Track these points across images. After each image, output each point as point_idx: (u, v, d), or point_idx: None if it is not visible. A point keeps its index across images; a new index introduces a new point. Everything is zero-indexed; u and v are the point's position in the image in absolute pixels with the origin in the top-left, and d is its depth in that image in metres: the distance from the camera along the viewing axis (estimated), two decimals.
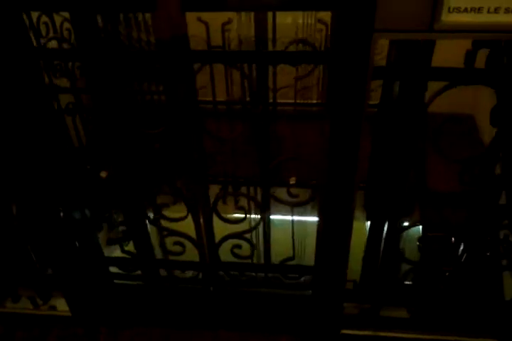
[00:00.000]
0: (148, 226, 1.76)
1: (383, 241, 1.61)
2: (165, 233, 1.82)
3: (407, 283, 1.77)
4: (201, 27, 2.59)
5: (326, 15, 2.56)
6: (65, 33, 2.22)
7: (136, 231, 1.73)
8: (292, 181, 1.57)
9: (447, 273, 1.73)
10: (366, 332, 1.82)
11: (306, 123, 2.65)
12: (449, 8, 1.06)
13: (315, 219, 1.54)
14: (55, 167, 1.47)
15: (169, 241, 1.86)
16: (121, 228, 2.02)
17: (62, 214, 1.54)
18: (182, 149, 1.39)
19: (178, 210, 1.79)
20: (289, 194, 1.63)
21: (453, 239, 1.62)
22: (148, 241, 1.75)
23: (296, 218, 1.83)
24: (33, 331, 1.91)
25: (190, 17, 2.76)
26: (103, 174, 1.62)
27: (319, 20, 2.55)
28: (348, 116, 1.21)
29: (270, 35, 2.34)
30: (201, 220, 1.65)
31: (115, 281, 1.89)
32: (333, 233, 1.50)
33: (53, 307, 1.97)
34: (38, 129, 1.39)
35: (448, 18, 1.07)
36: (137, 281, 1.90)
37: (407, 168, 1.42)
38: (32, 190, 1.49)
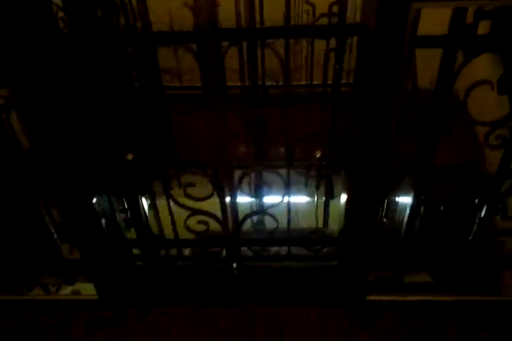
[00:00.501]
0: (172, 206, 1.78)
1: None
2: (189, 212, 1.83)
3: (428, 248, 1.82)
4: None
5: None
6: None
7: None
8: (318, 154, 1.60)
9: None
10: (391, 298, 1.87)
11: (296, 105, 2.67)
12: None
13: None
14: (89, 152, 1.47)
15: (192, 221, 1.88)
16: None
17: (95, 199, 1.54)
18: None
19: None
20: (314, 168, 1.65)
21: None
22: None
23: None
24: (58, 316, 1.92)
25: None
26: (129, 156, 1.62)
27: (306, 2, 2.56)
28: (383, 89, 1.23)
29: (258, 17, 2.35)
30: (226, 198, 1.68)
31: (138, 263, 1.90)
32: (362, 204, 1.53)
33: (77, 292, 1.99)
34: None
35: None
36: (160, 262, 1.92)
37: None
38: (66, 174, 1.49)
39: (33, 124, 1.37)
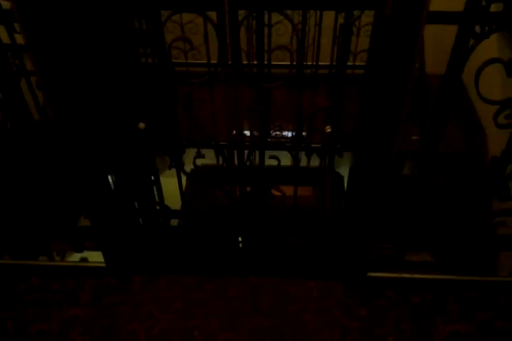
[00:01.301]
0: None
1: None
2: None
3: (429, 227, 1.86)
4: None
5: None
6: None
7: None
8: (328, 129, 1.63)
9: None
10: (391, 275, 1.91)
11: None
12: None
13: None
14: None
15: None
16: None
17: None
18: None
19: None
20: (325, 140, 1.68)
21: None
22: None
23: None
24: (66, 282, 1.96)
25: None
26: (141, 125, 1.65)
27: None
28: (399, 68, 1.26)
29: None
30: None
31: (145, 233, 1.94)
32: (367, 182, 1.56)
33: (85, 260, 2.03)
34: None
35: None
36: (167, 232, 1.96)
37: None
38: (82, 141, 1.52)
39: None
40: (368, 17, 1.58)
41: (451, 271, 1.91)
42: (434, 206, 1.91)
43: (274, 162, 1.70)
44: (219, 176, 1.79)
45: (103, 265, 1.94)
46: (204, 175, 1.78)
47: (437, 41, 1.99)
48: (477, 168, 2.48)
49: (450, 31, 1.40)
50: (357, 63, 2.98)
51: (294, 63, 1.39)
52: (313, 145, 2.17)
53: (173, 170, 1.85)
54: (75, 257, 2.17)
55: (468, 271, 1.93)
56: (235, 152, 1.72)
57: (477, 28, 1.31)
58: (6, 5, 1.74)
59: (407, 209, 1.78)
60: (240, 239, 1.97)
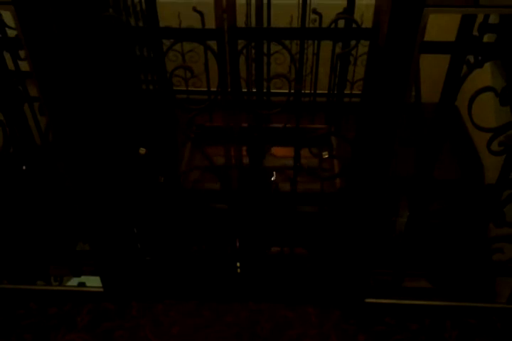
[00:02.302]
0: None
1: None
2: None
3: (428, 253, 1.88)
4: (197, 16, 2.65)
5: (320, 6, 2.66)
6: None
7: None
8: (325, 155, 1.66)
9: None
10: (389, 301, 1.91)
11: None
12: None
13: None
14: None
15: None
16: None
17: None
18: None
19: None
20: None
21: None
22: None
23: None
24: (64, 307, 1.96)
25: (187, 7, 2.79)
26: (142, 151, 1.67)
27: (314, 11, 2.64)
28: (392, 95, 1.29)
29: (265, 24, 2.42)
30: None
31: (145, 257, 1.95)
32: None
33: (83, 284, 2.03)
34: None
35: None
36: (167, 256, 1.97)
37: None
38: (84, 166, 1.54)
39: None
40: (364, 47, 1.63)
41: (449, 297, 1.91)
42: (430, 232, 1.92)
43: None
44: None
45: (101, 290, 1.94)
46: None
47: (434, 70, 2.04)
48: (473, 195, 2.50)
49: (446, 60, 1.44)
50: (354, 92, 3.04)
51: (292, 91, 1.43)
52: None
53: None
54: (73, 282, 2.17)
55: (466, 297, 1.93)
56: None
57: (471, 58, 1.35)
58: (11, 33, 1.80)
59: (403, 236, 1.80)
60: (238, 264, 1.97)
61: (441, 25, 1.84)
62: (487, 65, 1.44)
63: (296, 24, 2.86)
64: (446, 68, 1.43)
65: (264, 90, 2.44)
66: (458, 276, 1.92)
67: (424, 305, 1.91)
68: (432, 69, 2.12)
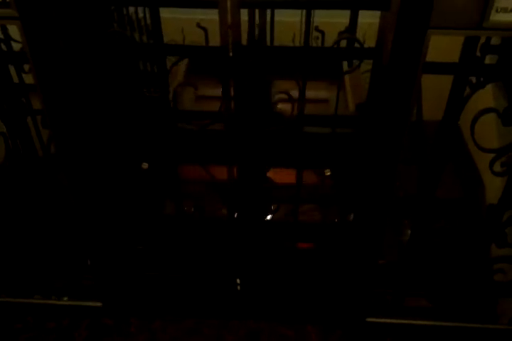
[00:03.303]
0: None
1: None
2: None
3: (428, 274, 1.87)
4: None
5: (322, 24, 2.68)
6: None
7: None
8: (328, 172, 1.66)
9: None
10: (390, 321, 1.90)
11: None
12: (497, 8, 1.16)
13: None
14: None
15: None
16: None
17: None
18: None
19: None
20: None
21: None
22: None
23: None
24: (62, 321, 1.94)
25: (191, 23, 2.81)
26: (145, 166, 1.68)
27: (316, 29, 2.66)
28: (395, 111, 1.30)
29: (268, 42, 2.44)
30: None
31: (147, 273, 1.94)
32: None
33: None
34: None
35: (495, 17, 1.17)
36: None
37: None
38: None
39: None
40: (368, 64, 1.64)
41: (450, 318, 1.90)
42: (432, 252, 1.92)
43: None
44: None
45: (99, 305, 1.93)
46: None
47: (434, 87, 2.05)
48: (474, 215, 2.50)
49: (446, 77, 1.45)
50: None
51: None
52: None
53: None
54: None
55: (468, 318, 1.91)
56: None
57: (473, 78, 1.36)
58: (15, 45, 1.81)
59: (405, 255, 1.79)
60: (238, 281, 1.96)
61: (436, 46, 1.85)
62: (488, 86, 1.44)
63: (298, 41, 2.87)
64: (447, 85, 1.43)
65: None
66: (459, 296, 1.91)
67: (425, 325, 1.89)
68: (433, 86, 2.13)
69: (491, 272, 1.83)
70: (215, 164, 1.61)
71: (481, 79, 1.37)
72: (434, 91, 2.11)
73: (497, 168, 1.50)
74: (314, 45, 2.72)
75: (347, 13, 2.24)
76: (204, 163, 1.62)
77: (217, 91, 1.41)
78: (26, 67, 1.50)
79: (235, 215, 1.70)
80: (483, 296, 1.92)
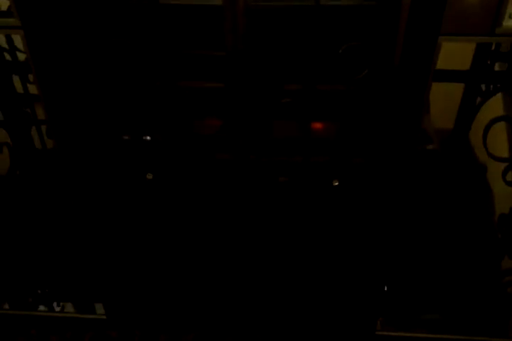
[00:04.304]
0: None
1: None
2: None
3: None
4: None
5: None
6: None
7: None
8: (335, 183, 1.62)
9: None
10: (400, 334, 1.86)
11: None
12: (510, 14, 1.14)
13: None
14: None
15: None
16: None
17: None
18: None
19: None
20: None
21: None
22: None
23: None
24: (66, 334, 1.91)
25: None
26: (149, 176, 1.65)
27: None
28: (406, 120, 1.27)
29: None
30: None
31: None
32: None
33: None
34: None
35: (508, 23, 1.15)
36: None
37: None
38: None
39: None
40: None
41: (460, 331, 1.86)
42: (442, 265, 1.88)
43: None
44: None
45: (104, 317, 1.90)
46: None
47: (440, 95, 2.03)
48: (485, 226, 2.46)
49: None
50: None
51: None
52: None
53: None
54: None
55: (479, 331, 1.87)
56: None
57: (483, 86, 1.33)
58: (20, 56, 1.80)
59: (414, 268, 1.76)
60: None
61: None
62: (498, 94, 1.42)
63: None
64: (454, 92, 1.41)
65: None
66: (471, 309, 1.87)
67: (435, 338, 1.85)
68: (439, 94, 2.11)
69: (503, 284, 1.80)
70: None
71: (491, 86, 1.35)
72: (440, 100, 2.09)
73: (509, 177, 1.47)
74: None
75: None
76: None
77: None
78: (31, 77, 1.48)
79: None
80: (495, 309, 1.88)
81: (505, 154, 1.55)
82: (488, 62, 1.37)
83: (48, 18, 1.21)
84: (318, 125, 1.47)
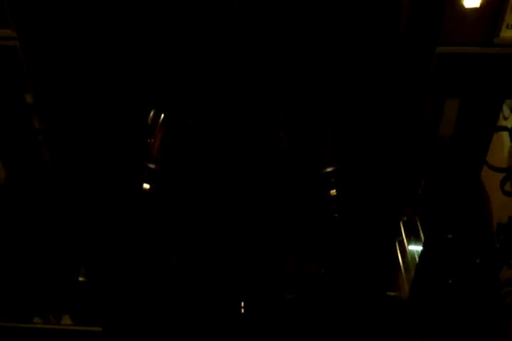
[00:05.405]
0: None
1: None
2: None
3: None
4: None
5: None
6: None
7: None
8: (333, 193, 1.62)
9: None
10: None
11: None
12: (508, 24, 1.14)
13: None
14: None
15: None
16: None
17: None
18: None
19: None
20: None
21: None
22: None
23: None
24: None
25: None
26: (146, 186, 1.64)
27: None
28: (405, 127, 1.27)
29: None
30: None
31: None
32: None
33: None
34: None
35: (506, 33, 1.14)
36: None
37: None
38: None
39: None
40: None
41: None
42: (440, 276, 1.86)
43: None
44: None
45: (99, 329, 1.88)
46: None
47: None
48: (483, 235, 2.45)
49: None
50: None
51: None
52: None
53: None
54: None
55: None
56: None
57: None
58: None
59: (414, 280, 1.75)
60: (242, 304, 1.91)
61: None
62: None
63: None
64: None
65: None
66: (470, 319, 1.86)
67: None
68: None
69: (501, 295, 1.79)
70: None
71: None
72: None
73: (508, 187, 1.46)
74: None
75: None
76: None
77: None
78: None
79: None
80: (493, 319, 1.87)
81: (504, 164, 1.55)
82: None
83: (43, 29, 1.21)
84: None
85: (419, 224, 1.99)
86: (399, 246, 1.95)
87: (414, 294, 1.78)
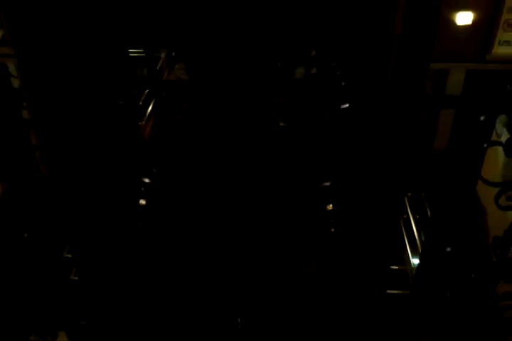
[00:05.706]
0: None
1: None
2: None
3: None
4: None
5: None
6: None
7: None
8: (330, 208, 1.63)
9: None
10: None
11: None
12: (500, 41, 1.16)
13: None
14: None
15: None
16: None
17: None
18: None
19: None
20: None
21: None
22: None
23: None
24: None
25: None
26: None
27: None
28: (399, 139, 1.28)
29: None
30: None
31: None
32: None
33: None
34: None
35: (498, 50, 1.16)
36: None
37: None
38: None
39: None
40: None
41: None
42: (437, 292, 1.86)
43: None
44: None
45: None
46: None
47: None
48: (479, 249, 2.45)
49: None
50: None
51: None
52: None
53: None
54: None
55: None
56: None
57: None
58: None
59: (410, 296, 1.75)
60: (238, 320, 1.90)
61: None
62: None
63: None
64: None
65: None
66: (466, 333, 1.85)
67: None
68: None
69: (498, 308, 1.79)
70: None
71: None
72: None
73: (502, 201, 1.47)
74: None
75: None
76: None
77: None
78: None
79: None
80: (491, 333, 1.86)
81: (498, 178, 1.56)
82: None
83: (41, 47, 1.22)
84: None
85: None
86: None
87: (412, 308, 1.77)
